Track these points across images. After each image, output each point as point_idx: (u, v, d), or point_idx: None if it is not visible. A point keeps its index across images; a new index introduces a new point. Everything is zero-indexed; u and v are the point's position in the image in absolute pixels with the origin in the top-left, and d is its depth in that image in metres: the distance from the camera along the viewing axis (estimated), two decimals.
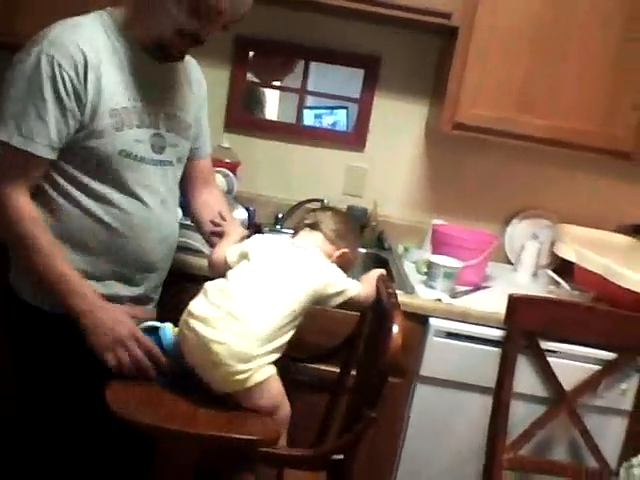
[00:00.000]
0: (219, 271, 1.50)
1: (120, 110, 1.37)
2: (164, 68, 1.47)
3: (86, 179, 1.38)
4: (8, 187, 1.31)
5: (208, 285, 1.40)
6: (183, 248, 1.88)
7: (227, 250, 1.52)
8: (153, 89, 1.44)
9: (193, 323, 1.33)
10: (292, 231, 1.63)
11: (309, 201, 2.37)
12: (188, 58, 1.54)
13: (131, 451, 1.57)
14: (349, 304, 1.50)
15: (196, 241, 1.92)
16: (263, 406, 1.35)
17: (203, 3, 1.31)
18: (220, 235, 1.60)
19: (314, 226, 1.56)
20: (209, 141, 1.73)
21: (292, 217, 2.38)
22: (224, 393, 1.33)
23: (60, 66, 1.28)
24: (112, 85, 1.35)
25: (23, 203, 1.32)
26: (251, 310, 1.33)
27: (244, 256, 1.47)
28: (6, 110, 1.29)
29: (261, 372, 1.33)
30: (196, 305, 1.36)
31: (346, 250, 1.55)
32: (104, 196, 1.39)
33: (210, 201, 1.70)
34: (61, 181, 1.38)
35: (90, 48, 1.32)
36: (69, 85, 1.30)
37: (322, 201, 2.35)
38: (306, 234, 1.56)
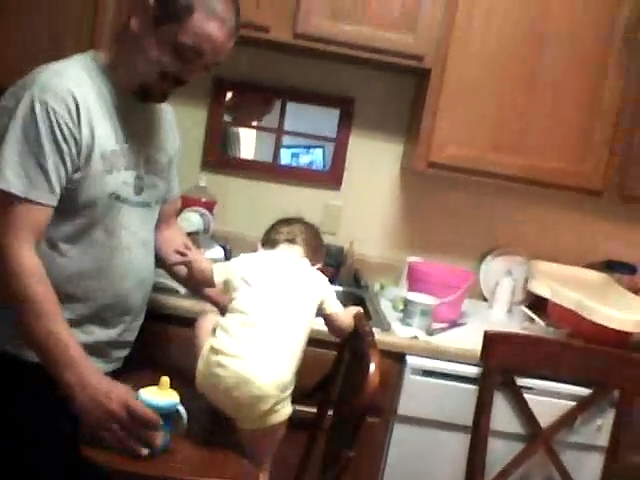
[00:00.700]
0: (202, 281, 1.52)
1: (110, 153, 1.37)
2: (145, 109, 1.49)
3: (73, 221, 1.36)
4: (11, 238, 1.27)
5: (226, 323, 1.39)
6: (159, 288, 1.87)
7: (213, 266, 1.52)
8: (136, 131, 1.46)
9: (228, 361, 1.32)
10: (262, 245, 1.64)
11: None
12: (165, 104, 1.56)
13: None
14: (329, 325, 1.54)
15: (169, 279, 1.92)
16: (276, 441, 1.40)
17: (184, 45, 1.33)
18: (186, 265, 1.58)
19: (292, 241, 1.59)
20: (177, 185, 1.74)
21: None
22: (204, 433, 1.34)
23: (55, 112, 1.28)
24: (102, 129, 1.36)
25: (26, 257, 1.27)
26: (279, 337, 1.37)
27: (238, 276, 1.46)
28: (4, 161, 1.26)
29: (289, 405, 1.39)
30: (224, 343, 1.35)
31: (319, 265, 1.60)
32: (86, 237, 1.38)
33: (172, 236, 1.71)
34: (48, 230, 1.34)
35: (80, 92, 1.32)
36: (65, 129, 1.29)
37: None
38: (286, 248, 1.58)
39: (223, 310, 1.55)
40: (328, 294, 1.54)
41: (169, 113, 1.63)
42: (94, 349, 1.43)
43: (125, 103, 1.42)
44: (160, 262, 1.67)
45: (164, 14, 1.32)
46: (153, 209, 1.56)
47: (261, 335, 1.36)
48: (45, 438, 1.39)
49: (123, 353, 1.56)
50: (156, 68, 1.36)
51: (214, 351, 1.35)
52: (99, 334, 1.46)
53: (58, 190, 1.31)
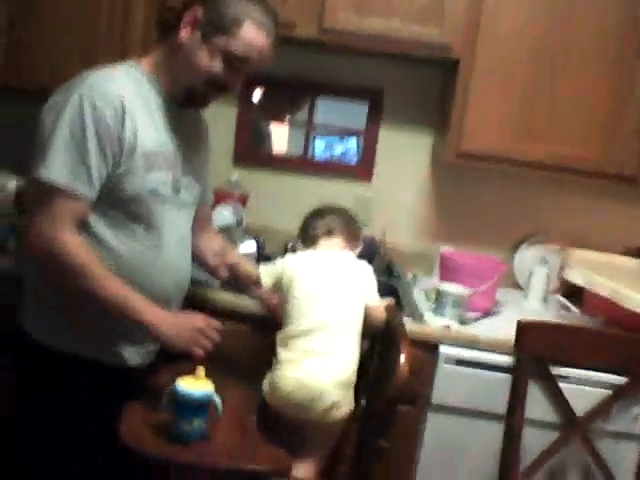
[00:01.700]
0: (250, 284, 1.65)
1: (150, 153, 1.45)
2: (185, 116, 1.57)
3: (117, 215, 1.44)
4: (53, 225, 1.35)
5: (290, 336, 1.49)
6: (191, 281, 1.92)
7: (260, 269, 1.59)
8: (176, 135, 1.54)
9: (303, 372, 1.43)
10: (302, 243, 1.69)
11: None
12: (202, 119, 1.70)
13: None
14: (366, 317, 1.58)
15: (202, 272, 1.96)
16: (333, 436, 1.52)
17: (234, 54, 1.43)
18: (229, 267, 1.67)
19: (330, 233, 1.62)
20: (210, 191, 1.84)
21: None
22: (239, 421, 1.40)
23: (102, 111, 1.35)
24: (144, 130, 1.43)
25: (70, 239, 1.37)
26: (335, 337, 1.47)
27: (287, 279, 1.54)
28: (50, 153, 1.34)
29: (350, 402, 1.49)
30: (283, 356, 1.46)
31: (360, 246, 1.67)
32: (130, 231, 1.46)
33: (210, 239, 1.79)
34: (91, 221, 1.42)
35: (126, 95, 1.40)
36: (110, 128, 1.37)
37: None
38: (327, 243, 1.62)
39: (270, 308, 1.62)
40: (371, 287, 1.59)
41: (205, 125, 1.73)
42: (130, 339, 1.49)
43: (167, 109, 1.51)
44: (201, 263, 1.75)
45: (214, 27, 1.43)
46: (190, 209, 1.63)
47: (317, 340, 1.45)
48: (79, 429, 1.46)
49: (158, 347, 1.60)
50: (204, 76, 1.46)
51: (290, 366, 1.45)
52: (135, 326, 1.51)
53: (98, 185, 1.38)
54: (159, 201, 1.48)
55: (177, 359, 1.56)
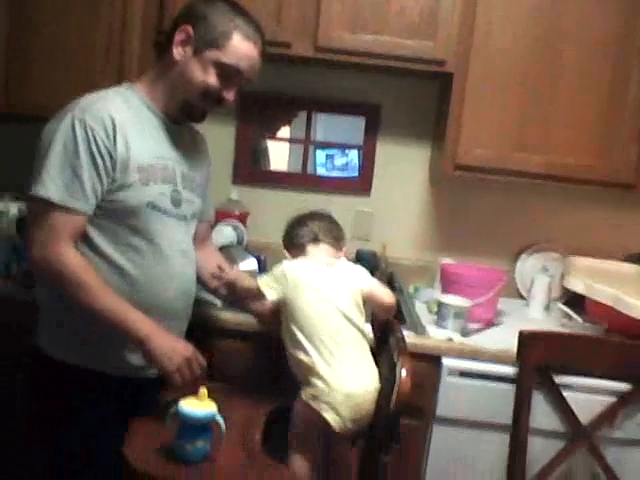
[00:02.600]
0: (250, 298, 1.67)
1: (146, 166, 1.49)
2: (181, 132, 1.61)
3: (118, 230, 1.48)
4: (51, 241, 1.40)
5: (315, 336, 1.50)
6: (196, 301, 1.93)
7: (258, 281, 1.62)
8: (173, 149, 1.58)
9: (351, 384, 1.47)
10: (289, 253, 1.72)
11: None
12: (199, 135, 1.73)
13: None
14: (372, 302, 1.65)
15: (206, 292, 1.97)
16: None
17: (226, 65, 1.49)
18: (228, 286, 1.68)
19: (316, 239, 1.65)
20: (211, 208, 1.87)
21: None
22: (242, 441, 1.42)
23: (92, 129, 1.41)
24: (138, 144, 1.48)
25: (67, 253, 1.40)
26: (362, 345, 1.55)
27: (292, 282, 1.57)
28: (45, 171, 1.39)
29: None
30: (336, 374, 1.49)
31: (346, 247, 1.70)
32: (133, 246, 1.49)
33: (207, 257, 1.79)
34: (93, 236, 1.47)
35: (117, 112, 1.45)
36: (101, 145, 1.41)
37: None
38: (316, 250, 1.64)
39: (267, 320, 1.67)
40: (365, 283, 1.63)
41: (203, 141, 1.77)
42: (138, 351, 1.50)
43: (163, 126, 1.56)
44: (198, 281, 1.75)
45: (205, 42, 1.49)
46: (190, 223, 1.65)
47: (348, 347, 1.52)
48: (85, 439, 1.48)
49: None
50: (200, 89, 1.51)
51: (313, 397, 1.47)
52: None
53: (93, 199, 1.43)
54: (159, 214, 1.51)
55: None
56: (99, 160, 1.41)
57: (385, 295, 1.65)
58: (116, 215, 1.47)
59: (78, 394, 1.49)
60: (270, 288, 1.59)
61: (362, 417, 1.48)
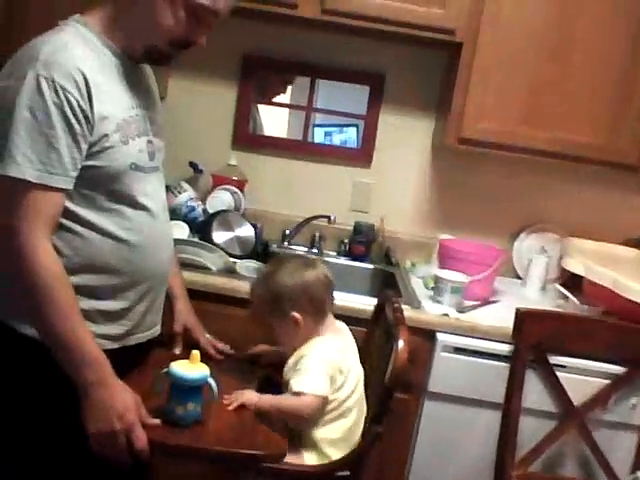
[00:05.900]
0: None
1: (122, 123, 1.31)
2: (138, 72, 1.43)
3: (98, 198, 1.31)
4: (26, 229, 1.19)
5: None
6: (189, 264, 1.90)
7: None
8: (139, 95, 1.40)
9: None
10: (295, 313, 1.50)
11: (316, 217, 2.38)
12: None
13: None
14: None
15: (201, 257, 1.95)
16: None
17: (201, 6, 1.29)
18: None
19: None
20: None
21: (299, 234, 2.40)
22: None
23: (64, 89, 1.20)
24: (111, 100, 1.29)
25: (43, 250, 1.21)
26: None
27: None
28: (12, 144, 1.18)
29: None
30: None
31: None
32: (117, 212, 1.33)
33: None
34: (72, 207, 1.29)
35: (85, 64, 1.24)
36: (76, 106, 1.21)
37: (329, 217, 2.36)
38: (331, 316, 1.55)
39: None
40: None
41: (151, 72, 1.55)
42: (130, 316, 1.40)
43: (125, 69, 1.36)
44: None
45: None
46: (161, 172, 1.50)
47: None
48: (44, 416, 1.33)
49: (157, 319, 1.52)
50: (168, 35, 1.31)
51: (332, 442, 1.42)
52: (135, 301, 1.41)
53: (74, 173, 1.23)
54: (140, 174, 1.36)
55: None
56: (76, 126, 1.21)
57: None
58: (93, 182, 1.27)
59: (19, 362, 1.31)
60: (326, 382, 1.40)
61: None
